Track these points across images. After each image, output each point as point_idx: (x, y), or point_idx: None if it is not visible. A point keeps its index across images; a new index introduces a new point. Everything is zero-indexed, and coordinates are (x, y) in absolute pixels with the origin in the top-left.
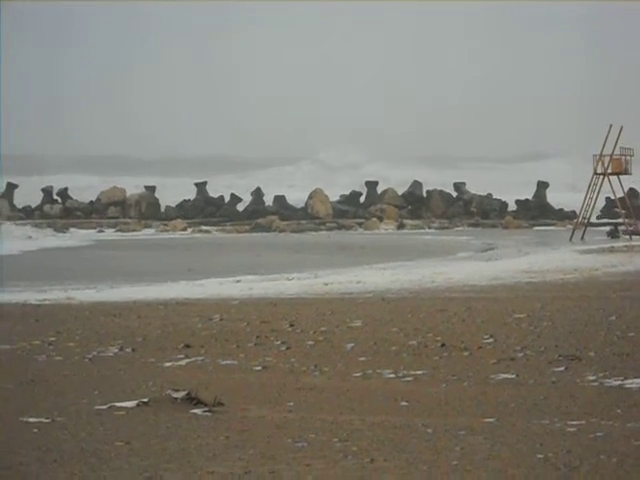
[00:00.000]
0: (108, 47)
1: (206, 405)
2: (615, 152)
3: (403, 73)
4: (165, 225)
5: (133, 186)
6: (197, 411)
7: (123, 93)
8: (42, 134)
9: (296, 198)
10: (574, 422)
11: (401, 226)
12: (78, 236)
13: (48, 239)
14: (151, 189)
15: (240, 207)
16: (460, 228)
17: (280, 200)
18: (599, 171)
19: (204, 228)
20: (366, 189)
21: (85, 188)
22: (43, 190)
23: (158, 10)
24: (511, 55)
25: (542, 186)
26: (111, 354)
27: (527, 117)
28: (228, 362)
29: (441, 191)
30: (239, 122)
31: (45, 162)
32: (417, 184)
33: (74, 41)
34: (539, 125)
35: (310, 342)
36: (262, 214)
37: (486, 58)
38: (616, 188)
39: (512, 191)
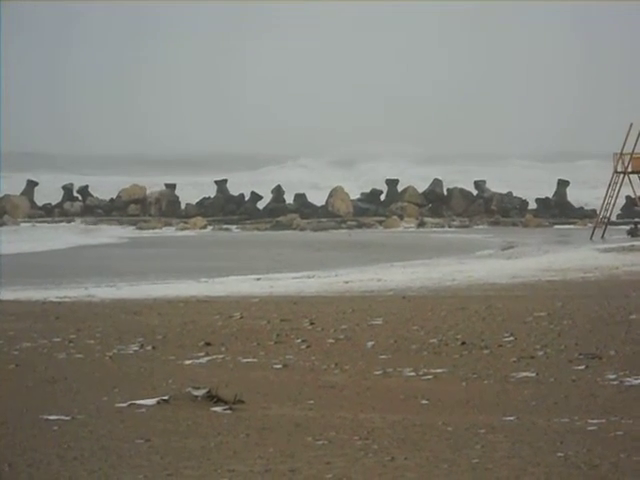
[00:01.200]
0: (115, 46)
1: (226, 403)
2: (636, 150)
3: (418, 71)
4: (185, 223)
5: (153, 184)
6: (217, 409)
7: (139, 92)
8: (62, 132)
9: (316, 196)
10: (594, 420)
11: (421, 224)
12: (115, 233)
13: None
14: (171, 187)
15: (260, 205)
16: (480, 226)
17: (301, 198)
18: (619, 169)
19: (224, 226)
20: (386, 187)
21: (105, 185)
22: (63, 188)
23: (166, 10)
24: (527, 52)
25: (562, 184)
26: (131, 352)
27: (545, 115)
28: (248, 360)
29: (462, 189)
30: (256, 120)
31: (65, 160)
32: (437, 182)
33: (80, 40)
34: (558, 123)
35: (330, 340)
36: (282, 212)
37: (499, 56)
38: (637, 186)
39: (532, 189)
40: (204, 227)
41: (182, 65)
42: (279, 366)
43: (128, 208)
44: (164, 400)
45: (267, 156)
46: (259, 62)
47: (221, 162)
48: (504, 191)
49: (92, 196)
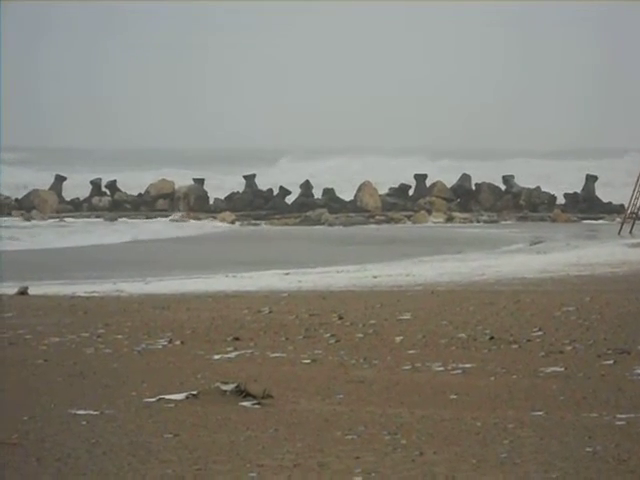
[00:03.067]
0: (140, 39)
1: (255, 398)
2: None
3: (453, 69)
4: (214, 218)
5: (181, 179)
6: (246, 404)
7: (172, 86)
8: (89, 127)
9: (343, 191)
10: (623, 415)
11: (450, 219)
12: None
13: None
14: (199, 182)
15: (289, 200)
16: (509, 221)
17: (329, 193)
18: None
19: (252, 221)
20: (415, 182)
21: (133, 180)
22: (92, 182)
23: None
24: (549, 51)
25: (590, 179)
26: (160, 346)
27: (571, 111)
28: (277, 355)
29: (490, 184)
30: (284, 116)
31: (93, 155)
32: (466, 177)
33: (114, 35)
34: (585, 119)
35: (359, 335)
36: (311, 207)
37: (531, 55)
38: None
39: (560, 184)
40: (232, 222)
41: (205, 59)
42: (308, 361)
43: (156, 203)
44: (193, 395)
45: (295, 151)
46: (288, 55)
47: (248, 157)
48: (532, 186)
49: (120, 191)
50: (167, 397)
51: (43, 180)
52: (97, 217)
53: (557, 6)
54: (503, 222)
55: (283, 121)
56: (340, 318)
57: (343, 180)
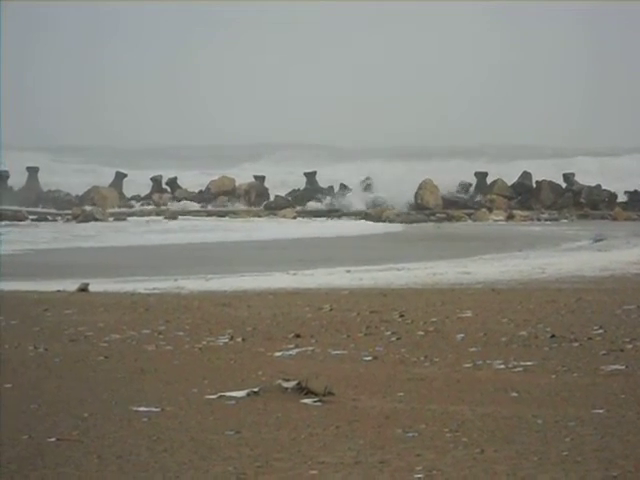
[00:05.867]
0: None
1: (316, 395)
2: None
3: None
4: (274, 214)
5: (242, 176)
6: (307, 401)
7: (220, 83)
8: (153, 125)
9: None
10: None
11: (510, 217)
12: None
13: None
14: (260, 179)
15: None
16: (569, 219)
17: (390, 191)
18: None
19: (313, 218)
20: (475, 180)
21: (194, 177)
22: (152, 179)
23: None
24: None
25: None
26: (221, 343)
27: (629, 109)
28: (338, 352)
29: (550, 182)
30: (346, 113)
31: (154, 152)
32: (527, 174)
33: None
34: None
35: (420, 332)
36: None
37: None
38: None
39: (621, 182)
40: (293, 219)
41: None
42: (369, 358)
43: (217, 200)
44: (254, 392)
45: (354, 149)
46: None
47: (311, 154)
48: (593, 184)
49: (181, 188)
50: (228, 394)
51: (102, 178)
52: (157, 215)
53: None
54: (563, 220)
55: (342, 119)
56: (401, 315)
57: (404, 178)
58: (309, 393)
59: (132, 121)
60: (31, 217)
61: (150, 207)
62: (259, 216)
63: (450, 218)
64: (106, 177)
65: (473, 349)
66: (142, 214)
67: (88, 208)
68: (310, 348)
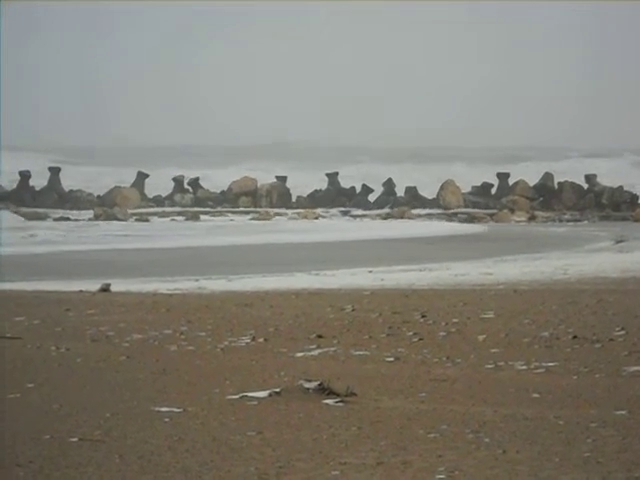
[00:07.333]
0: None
1: (338, 395)
2: None
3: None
4: (297, 215)
5: (264, 177)
6: (329, 401)
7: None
8: (172, 125)
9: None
10: None
11: (532, 218)
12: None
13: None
14: (282, 179)
15: (372, 198)
16: (590, 220)
17: (411, 191)
18: None
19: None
20: (497, 180)
21: (215, 178)
22: (174, 179)
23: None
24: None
25: None
26: (243, 344)
27: None
28: (360, 353)
29: (572, 183)
30: (367, 115)
31: (176, 152)
32: (549, 175)
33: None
34: None
35: (442, 333)
36: (394, 205)
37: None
38: None
39: None
40: (316, 219)
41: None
42: (391, 359)
43: (239, 200)
44: (276, 392)
45: (377, 150)
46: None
47: (331, 155)
48: (615, 185)
49: (203, 188)
50: (250, 395)
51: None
52: (179, 215)
53: None
54: (585, 221)
55: (363, 120)
56: (423, 316)
57: (426, 178)
58: (331, 394)
59: (143, 121)
60: (53, 217)
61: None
62: (280, 216)
63: (472, 219)
64: (111, 177)
65: (495, 350)
66: (164, 215)
67: (110, 209)
68: (332, 349)
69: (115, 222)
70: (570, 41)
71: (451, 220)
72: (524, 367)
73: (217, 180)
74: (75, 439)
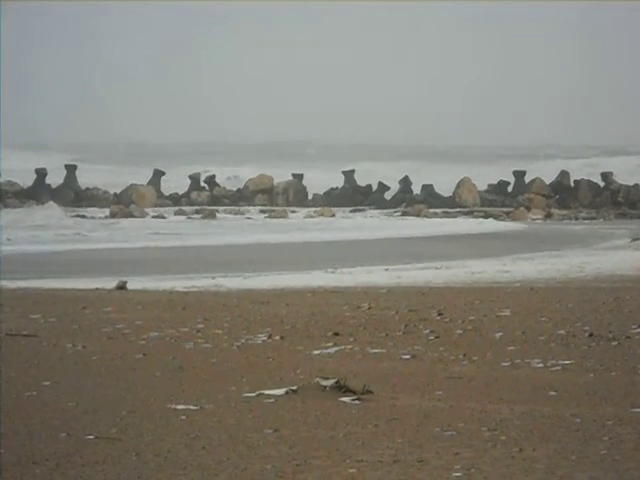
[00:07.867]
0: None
1: (355, 393)
2: None
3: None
4: (313, 212)
5: (280, 174)
6: (346, 399)
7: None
8: (190, 123)
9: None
10: None
11: (549, 216)
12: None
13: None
14: (298, 177)
15: (388, 195)
16: (606, 218)
17: (428, 189)
18: None
19: (351, 216)
20: (514, 178)
21: (232, 176)
22: (190, 177)
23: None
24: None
25: None
26: (259, 342)
27: None
28: (377, 350)
29: (589, 181)
30: (385, 110)
31: (192, 150)
32: (565, 173)
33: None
34: None
35: (459, 331)
36: (410, 202)
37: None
38: None
39: None
40: (332, 217)
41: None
42: (407, 357)
43: (255, 198)
44: (292, 390)
45: (396, 147)
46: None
47: (348, 152)
48: (631, 183)
49: (219, 186)
50: (267, 392)
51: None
52: (196, 213)
53: None
54: (601, 219)
55: (380, 118)
56: (439, 314)
57: (442, 176)
58: (348, 391)
59: (159, 120)
60: (70, 214)
61: (232, 207)
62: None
63: (488, 216)
64: (127, 176)
65: (511, 348)
66: (180, 212)
67: (127, 206)
68: (349, 346)
69: (133, 219)
70: (583, 38)
71: (467, 218)
72: (540, 365)
73: (234, 178)
74: (91, 437)
